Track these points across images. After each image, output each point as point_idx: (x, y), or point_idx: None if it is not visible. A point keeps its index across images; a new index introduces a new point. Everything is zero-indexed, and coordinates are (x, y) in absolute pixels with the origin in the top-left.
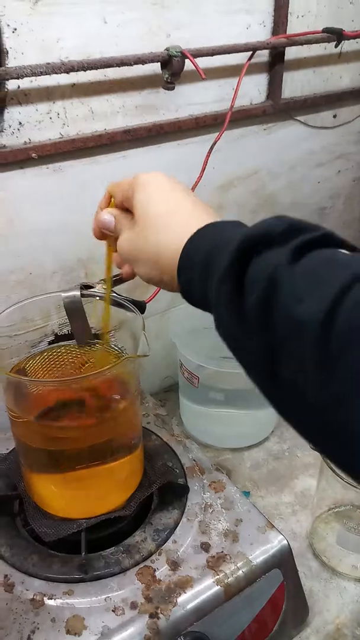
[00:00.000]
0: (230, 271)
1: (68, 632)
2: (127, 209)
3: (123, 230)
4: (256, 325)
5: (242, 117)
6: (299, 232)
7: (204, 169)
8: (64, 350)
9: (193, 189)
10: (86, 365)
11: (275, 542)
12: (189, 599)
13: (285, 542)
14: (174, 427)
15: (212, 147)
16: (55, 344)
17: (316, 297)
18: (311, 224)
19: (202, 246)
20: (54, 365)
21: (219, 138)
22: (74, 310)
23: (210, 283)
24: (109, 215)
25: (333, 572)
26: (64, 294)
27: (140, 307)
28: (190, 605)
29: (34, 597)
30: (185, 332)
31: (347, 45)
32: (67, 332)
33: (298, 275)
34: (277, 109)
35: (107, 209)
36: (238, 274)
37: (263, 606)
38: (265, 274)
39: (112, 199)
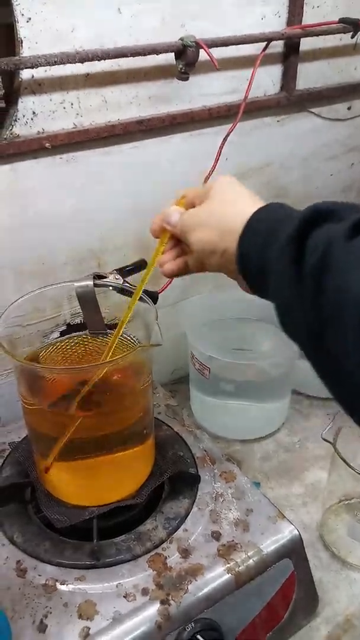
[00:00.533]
0: (296, 235)
1: (80, 616)
2: None
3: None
4: (310, 287)
5: (256, 109)
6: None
7: (217, 160)
8: (77, 340)
9: (206, 180)
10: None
11: (286, 532)
12: (200, 587)
13: (296, 532)
14: (184, 418)
15: (225, 138)
16: (68, 335)
17: None
18: None
19: (269, 216)
20: (67, 355)
21: (232, 129)
22: (87, 300)
23: (273, 245)
24: (176, 211)
25: (343, 563)
26: (76, 284)
27: (153, 297)
28: (201, 593)
29: (46, 582)
30: (197, 324)
31: None
32: (79, 322)
33: (350, 252)
34: (291, 101)
35: (175, 207)
36: (302, 239)
37: (273, 595)
38: (323, 244)
39: (183, 201)
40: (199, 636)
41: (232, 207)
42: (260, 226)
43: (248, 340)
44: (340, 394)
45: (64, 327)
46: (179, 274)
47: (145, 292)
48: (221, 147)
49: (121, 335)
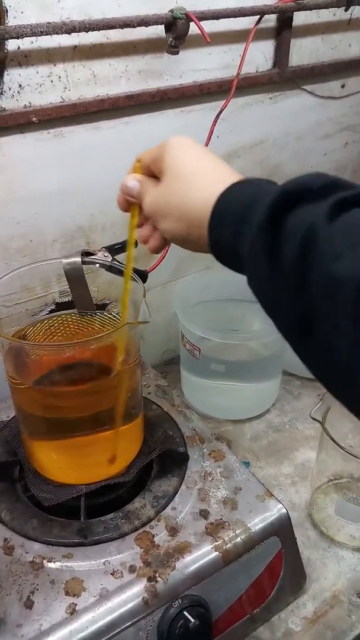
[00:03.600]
0: (267, 224)
1: (67, 593)
2: (153, 176)
3: (149, 190)
4: (291, 280)
5: (248, 85)
6: (337, 189)
7: (210, 138)
8: (64, 318)
9: None
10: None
11: (274, 511)
12: (188, 564)
13: (284, 510)
14: (174, 398)
15: (218, 115)
16: (56, 313)
17: (354, 257)
18: (349, 182)
19: (236, 200)
20: (54, 333)
21: (225, 106)
22: (75, 276)
23: (244, 236)
24: (133, 180)
25: (331, 541)
26: (64, 260)
27: (142, 275)
28: (188, 570)
29: (34, 559)
30: (188, 304)
31: (357, 11)
32: (68, 300)
33: (336, 232)
34: (284, 77)
35: (131, 175)
36: (275, 227)
37: (261, 572)
38: (303, 228)
39: (138, 166)
40: (186, 612)
41: (190, 190)
42: (227, 213)
43: (239, 321)
44: (335, 386)
45: (53, 306)
46: (164, 247)
47: (135, 270)
48: (214, 124)
49: (109, 313)
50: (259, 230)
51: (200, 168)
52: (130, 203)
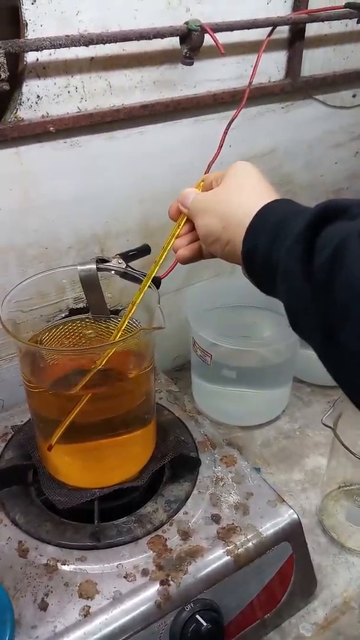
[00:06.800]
0: (305, 233)
1: (81, 595)
2: None
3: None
4: (321, 286)
5: (260, 95)
6: None
7: (221, 147)
8: (79, 324)
9: (209, 166)
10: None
11: (285, 516)
12: (200, 568)
13: (295, 516)
14: (185, 403)
15: (229, 124)
16: (71, 318)
17: None
18: None
19: (278, 211)
20: (69, 338)
21: (236, 115)
22: (90, 283)
23: (280, 245)
24: (192, 193)
25: (342, 547)
26: (80, 267)
27: (156, 282)
28: (200, 574)
29: (48, 562)
30: (199, 311)
31: None
32: (82, 307)
33: None
34: (296, 87)
35: (192, 188)
36: (311, 237)
37: (272, 577)
38: (336, 239)
39: (202, 184)
40: (198, 616)
41: (238, 196)
42: (267, 222)
43: (250, 328)
44: (357, 392)
45: (67, 313)
46: (192, 260)
47: None
48: (225, 133)
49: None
50: (298, 237)
51: (251, 184)
52: (181, 212)
